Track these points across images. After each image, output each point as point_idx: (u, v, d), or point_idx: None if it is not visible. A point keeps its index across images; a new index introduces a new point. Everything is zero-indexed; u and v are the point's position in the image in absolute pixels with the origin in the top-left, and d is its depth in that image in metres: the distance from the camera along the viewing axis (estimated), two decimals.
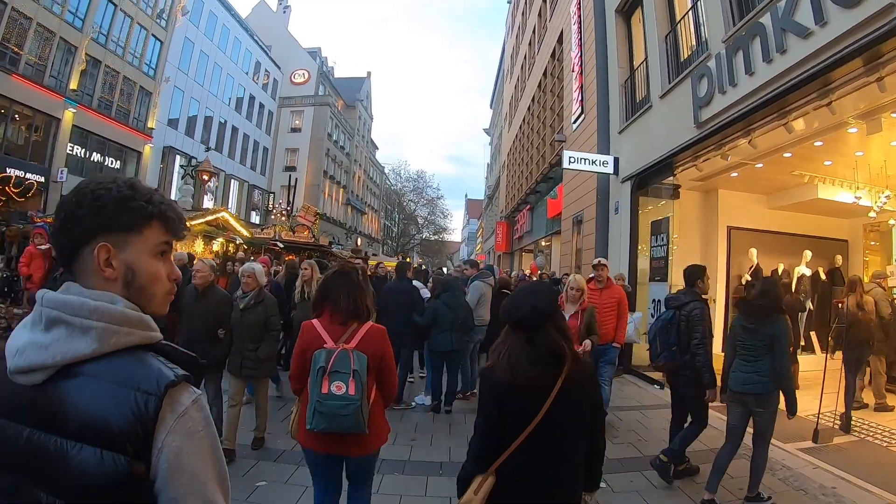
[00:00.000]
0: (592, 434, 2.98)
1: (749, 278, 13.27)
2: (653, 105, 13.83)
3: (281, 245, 28.54)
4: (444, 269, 41.33)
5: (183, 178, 29.27)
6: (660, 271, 13.23)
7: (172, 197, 28.16)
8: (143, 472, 1.30)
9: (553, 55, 26.55)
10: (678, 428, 7.10)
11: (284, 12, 72.93)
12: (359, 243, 70.48)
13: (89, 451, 1.27)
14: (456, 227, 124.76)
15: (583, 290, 8.09)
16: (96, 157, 34.77)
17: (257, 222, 47.11)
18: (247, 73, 56.10)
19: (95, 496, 1.27)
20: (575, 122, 20.30)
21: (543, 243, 30.17)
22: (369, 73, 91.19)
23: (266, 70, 61.23)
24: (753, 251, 13.76)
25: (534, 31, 33.59)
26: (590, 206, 17.74)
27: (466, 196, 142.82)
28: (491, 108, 78.17)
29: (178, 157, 41.28)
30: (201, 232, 21.87)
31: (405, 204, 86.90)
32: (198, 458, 1.36)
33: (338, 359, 3.81)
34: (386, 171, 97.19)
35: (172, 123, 42.46)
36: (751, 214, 14.20)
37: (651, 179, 14.07)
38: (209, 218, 23.17)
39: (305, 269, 9.96)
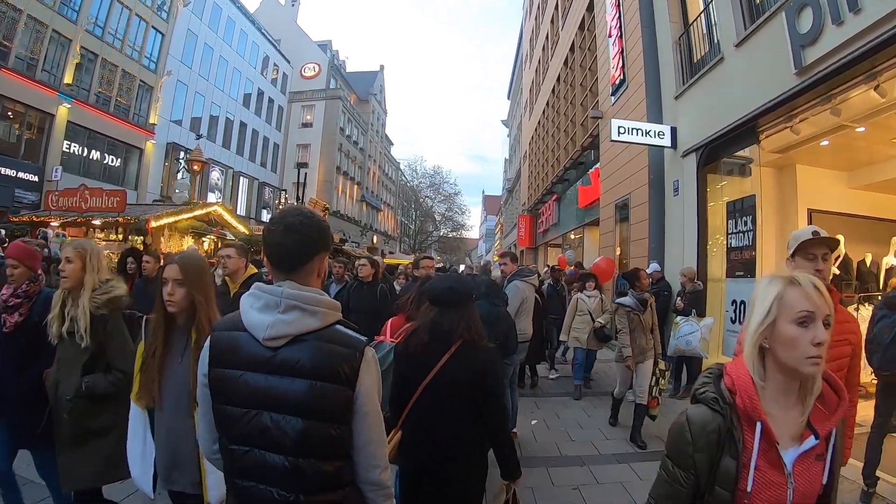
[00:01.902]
0: (486, 419, 3.55)
1: (837, 271, 11.21)
2: (724, 57, 11.30)
3: None
4: (461, 267, 39.36)
5: (178, 171, 27.30)
6: (742, 264, 10.80)
7: (171, 193, 26.28)
8: (352, 395, 2.21)
9: (582, 26, 24.37)
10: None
11: (293, 5, 71.81)
12: (374, 241, 71.43)
13: (323, 385, 2.17)
14: (474, 224, 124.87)
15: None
16: (95, 154, 33.49)
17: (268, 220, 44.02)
18: (255, 68, 54.80)
19: (324, 413, 2.18)
20: (614, 93, 17.92)
21: (573, 236, 28.18)
22: (382, 67, 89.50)
23: (275, 64, 60.06)
24: (840, 239, 11.06)
25: (556, 7, 31.61)
26: (639, 189, 15.48)
27: (483, 192, 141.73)
28: (508, 98, 76.75)
29: (182, 153, 39.39)
30: (188, 228, 19.86)
31: (422, 200, 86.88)
32: (372, 386, 2.27)
33: None
34: (401, 166, 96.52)
35: (176, 119, 41.08)
36: (834, 195, 12.07)
37: (724, 150, 11.75)
38: (198, 213, 21.12)
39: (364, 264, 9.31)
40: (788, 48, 8.89)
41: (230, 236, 22.40)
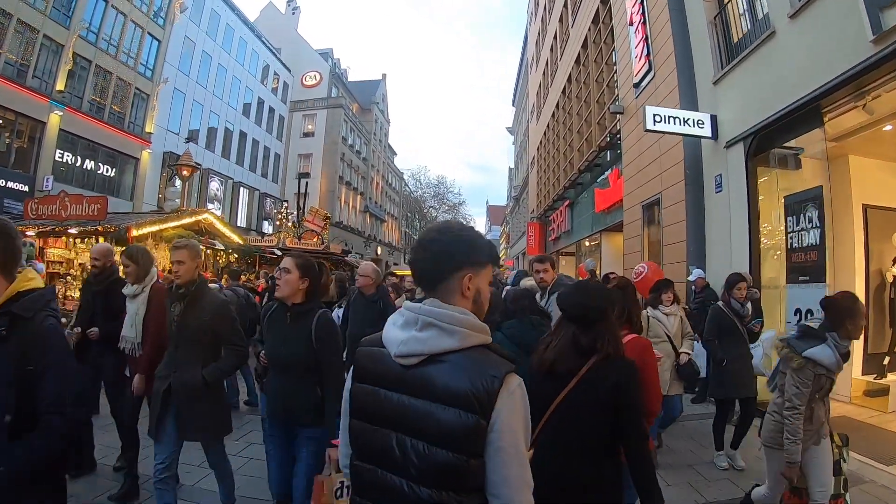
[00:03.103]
0: (625, 440, 3.34)
1: None
2: (776, 31, 10.01)
3: (279, 253, 25.58)
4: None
5: (171, 179, 26.20)
6: (807, 268, 9.42)
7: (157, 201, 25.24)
8: (484, 427, 1.99)
9: (596, 19, 23.24)
10: None
11: (293, 14, 71.52)
12: (378, 252, 72.18)
13: (451, 411, 2.01)
14: None
15: None
16: (88, 164, 32.63)
17: (270, 232, 44.53)
18: (254, 76, 54.16)
19: (450, 440, 2.01)
20: (638, 84, 16.74)
21: (588, 243, 26.87)
22: (384, 76, 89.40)
23: (275, 73, 59.53)
24: None
25: (565, 4, 30.60)
26: (673, 187, 14.21)
27: (488, 202, 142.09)
28: (513, 105, 76.10)
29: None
30: (175, 237, 18.58)
31: (426, 211, 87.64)
32: (517, 421, 2.04)
33: None
34: (405, 177, 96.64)
35: (173, 128, 40.23)
36: (891, 189, 10.79)
37: (778, 137, 10.48)
38: (186, 221, 19.88)
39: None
40: (862, 12, 7.70)
41: (220, 246, 21.15)
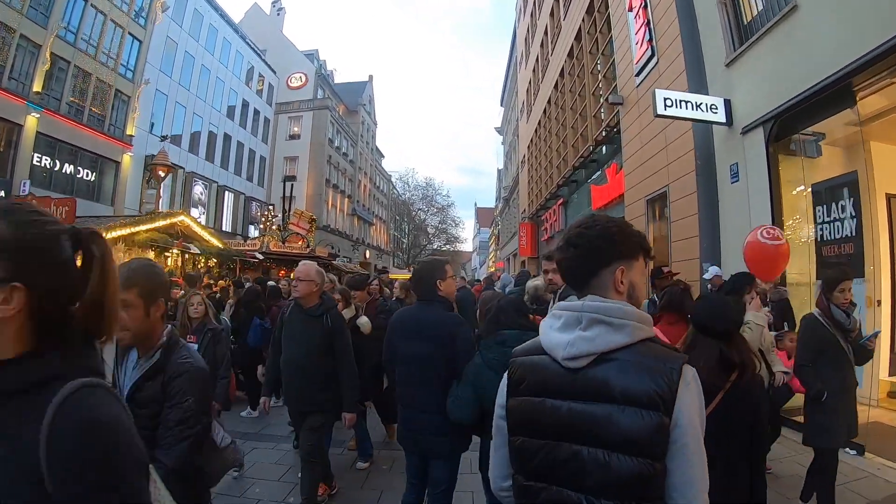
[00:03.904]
0: (753, 452, 3.46)
1: None
2: (798, 5, 9.23)
3: (259, 257, 24.80)
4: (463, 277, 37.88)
5: (148, 181, 25.28)
6: (841, 260, 8.62)
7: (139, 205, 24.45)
8: (668, 425, 1.84)
9: (590, 9, 22.49)
10: None
11: (279, 14, 70.77)
12: (367, 256, 71.73)
13: (632, 411, 1.87)
14: (467, 237, 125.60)
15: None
16: (67, 168, 31.41)
17: (256, 237, 42.74)
18: (239, 78, 53.11)
19: (633, 444, 1.85)
20: (640, 72, 15.96)
21: None
22: (371, 77, 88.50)
23: (260, 74, 58.61)
24: None
25: None
26: (682, 178, 13.43)
27: (476, 204, 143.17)
28: (502, 105, 75.60)
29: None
30: (148, 241, 17.66)
31: (414, 213, 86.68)
32: (697, 416, 1.91)
33: None
34: (393, 179, 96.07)
35: (156, 131, 39.18)
36: None
37: (803, 120, 9.69)
38: (160, 224, 18.94)
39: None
40: None
41: (195, 249, 20.20)
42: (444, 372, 4.63)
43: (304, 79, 66.13)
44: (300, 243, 30.24)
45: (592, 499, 1.88)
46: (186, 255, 20.76)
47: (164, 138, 35.35)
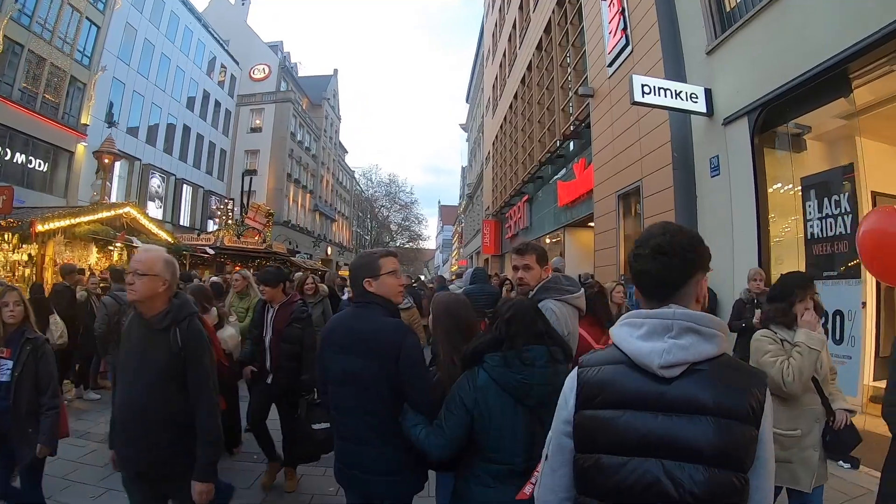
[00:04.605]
0: None
1: None
2: None
3: (211, 252, 23.94)
4: (420, 278, 37.31)
5: (97, 172, 24.23)
6: (837, 260, 8.16)
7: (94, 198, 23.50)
8: (756, 436, 1.85)
9: (560, 1, 22.01)
10: None
11: (243, 4, 69.03)
12: (328, 252, 70.94)
13: (728, 424, 1.81)
14: (430, 235, 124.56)
15: None
16: (19, 157, 30.13)
17: (213, 231, 42.02)
18: (200, 68, 51.89)
19: (728, 458, 1.80)
20: (612, 62, 15.39)
21: (549, 240, 25.40)
22: (336, 71, 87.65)
23: (223, 65, 57.35)
24: None
25: None
26: (657, 172, 12.90)
27: (440, 202, 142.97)
28: (467, 102, 75.75)
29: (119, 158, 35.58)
30: (88, 234, 16.70)
31: (377, 210, 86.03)
32: (771, 427, 1.94)
33: None
34: (356, 175, 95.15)
35: (111, 120, 37.16)
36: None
37: (791, 110, 9.22)
38: (103, 215, 18.01)
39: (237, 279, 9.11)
40: None
41: (138, 243, 19.19)
42: (387, 393, 3.59)
43: (267, 71, 64.96)
44: (256, 238, 29.48)
45: None
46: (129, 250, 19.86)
47: (111, 124, 33.91)
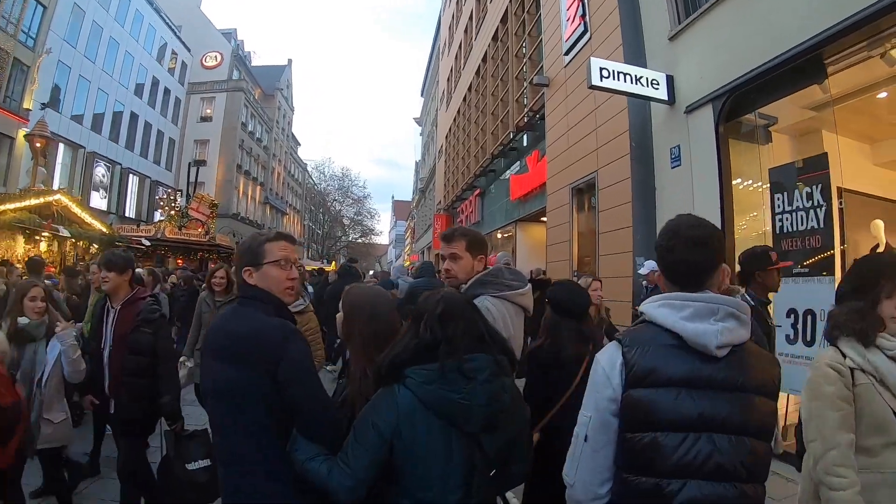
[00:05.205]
0: None
1: None
2: None
3: (146, 243, 23.15)
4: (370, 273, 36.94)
5: (33, 159, 23.21)
6: (809, 256, 7.70)
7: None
8: (776, 408, 2.22)
9: None
10: None
11: None
12: None
13: (763, 401, 2.11)
14: (383, 230, 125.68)
15: None
16: None
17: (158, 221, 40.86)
18: (150, 54, 50.39)
19: (765, 429, 2.10)
20: (569, 50, 14.86)
21: (500, 235, 25.40)
22: (290, 61, 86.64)
23: (174, 51, 55.81)
24: (879, 224, 9.11)
25: None
26: (614, 164, 12.39)
27: (393, 197, 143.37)
28: (422, 96, 75.38)
29: (61, 145, 35.22)
30: (13, 221, 15.84)
31: (330, 204, 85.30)
32: None
33: None
34: (309, 168, 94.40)
35: (55, 105, 36.09)
36: (865, 172, 9.45)
37: (759, 97, 8.73)
38: (31, 202, 17.13)
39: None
40: None
41: (65, 233, 18.28)
42: (264, 413, 2.77)
43: (219, 58, 63.40)
44: (200, 230, 28.69)
45: (740, 484, 2.00)
46: (77, 242, 18.94)
47: (44, 106, 32.66)
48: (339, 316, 3.32)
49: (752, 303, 4.61)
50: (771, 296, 5.50)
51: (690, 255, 2.17)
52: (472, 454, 2.46)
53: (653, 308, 2.22)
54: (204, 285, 8.32)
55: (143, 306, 5.06)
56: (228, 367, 2.81)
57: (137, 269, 11.81)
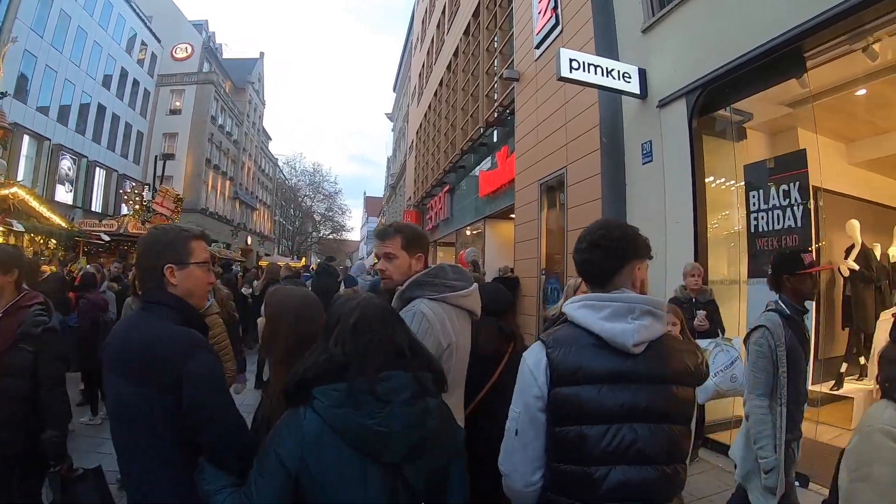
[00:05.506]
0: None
1: (856, 266, 9.34)
2: None
3: (105, 238, 22.61)
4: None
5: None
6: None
7: None
8: (694, 393, 2.39)
9: None
10: None
11: None
12: (248, 242, 69.16)
13: (682, 389, 2.29)
14: (354, 226, 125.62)
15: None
16: None
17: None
18: (119, 44, 49.41)
19: (684, 416, 2.29)
20: (540, 43, 14.53)
21: (469, 232, 25.03)
22: (262, 54, 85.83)
23: (143, 42, 54.80)
24: (854, 224, 9.55)
25: None
26: (584, 159, 12.06)
27: (365, 193, 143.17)
28: (395, 91, 74.81)
29: (26, 136, 34.51)
30: None
31: (301, 199, 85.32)
32: None
33: None
34: (280, 163, 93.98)
35: (21, 96, 35.20)
36: (841, 171, 9.73)
37: (735, 91, 8.43)
38: None
39: None
40: None
41: (18, 227, 17.70)
42: (169, 436, 2.43)
43: (190, 50, 62.49)
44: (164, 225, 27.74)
45: (661, 467, 2.19)
46: (34, 237, 18.35)
47: (3, 95, 31.88)
48: (261, 321, 2.95)
49: (787, 311, 4.34)
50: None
51: (590, 255, 2.42)
52: (395, 487, 2.09)
53: (573, 309, 2.39)
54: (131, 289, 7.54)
55: (27, 317, 4.04)
56: (125, 382, 2.46)
57: (89, 267, 11.46)
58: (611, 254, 2.37)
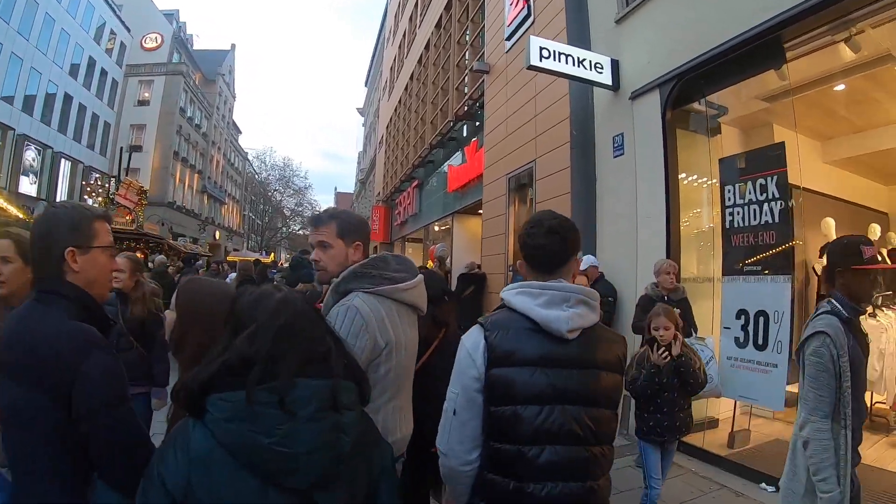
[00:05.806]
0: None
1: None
2: None
3: None
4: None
5: None
6: (761, 253, 7.10)
7: None
8: (621, 380, 2.57)
9: None
10: None
11: None
12: (217, 236, 69.10)
13: (610, 375, 2.47)
14: None
15: None
16: None
17: None
18: (87, 33, 48.52)
19: (611, 399, 2.46)
20: (511, 35, 14.32)
21: (437, 228, 24.92)
22: (233, 46, 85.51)
23: (112, 31, 53.62)
24: (830, 223, 9.38)
25: None
26: (553, 153, 11.78)
27: (336, 189, 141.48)
28: (366, 86, 74.58)
29: None
30: None
31: (270, 194, 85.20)
32: None
33: None
34: (250, 157, 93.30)
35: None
36: (816, 169, 9.87)
37: (711, 82, 8.20)
38: None
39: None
40: None
41: None
42: (58, 447, 2.09)
43: (159, 40, 61.59)
44: (127, 217, 27.53)
45: (589, 448, 2.35)
46: None
47: None
48: (170, 314, 2.61)
49: (842, 311, 3.43)
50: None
51: (547, 241, 2.49)
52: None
53: (511, 295, 2.50)
54: None
55: None
56: (11, 383, 2.13)
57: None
58: (567, 242, 2.51)
